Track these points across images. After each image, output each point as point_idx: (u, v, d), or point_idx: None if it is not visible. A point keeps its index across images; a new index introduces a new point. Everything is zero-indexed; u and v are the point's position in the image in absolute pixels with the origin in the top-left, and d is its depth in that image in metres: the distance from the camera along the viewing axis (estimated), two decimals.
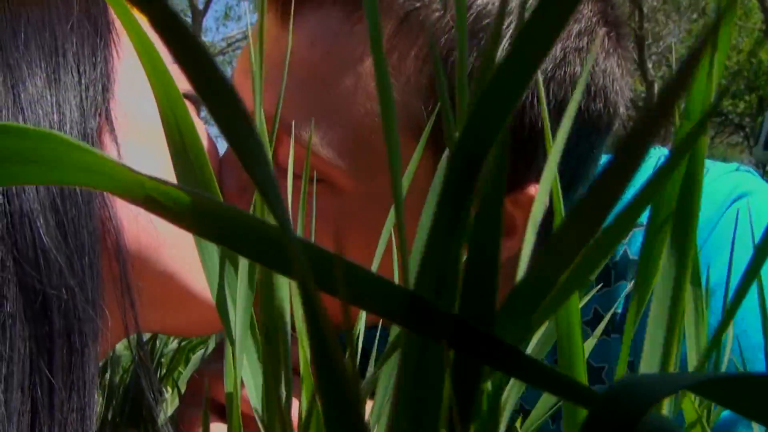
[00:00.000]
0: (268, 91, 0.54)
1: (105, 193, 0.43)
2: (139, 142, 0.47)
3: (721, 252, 0.57)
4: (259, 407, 0.29)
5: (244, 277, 0.27)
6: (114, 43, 0.47)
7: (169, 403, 0.76)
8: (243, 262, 0.27)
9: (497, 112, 0.16)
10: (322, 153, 0.53)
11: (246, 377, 0.28)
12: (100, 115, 0.44)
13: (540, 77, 0.53)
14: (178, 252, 0.47)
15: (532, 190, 0.55)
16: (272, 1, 0.54)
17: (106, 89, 0.45)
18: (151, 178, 0.15)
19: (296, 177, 0.55)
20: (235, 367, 0.26)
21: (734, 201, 0.61)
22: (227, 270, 0.27)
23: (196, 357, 0.79)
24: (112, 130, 0.45)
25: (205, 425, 0.49)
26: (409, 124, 0.53)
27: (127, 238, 0.44)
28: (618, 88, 0.59)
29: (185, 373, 0.77)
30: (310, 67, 0.53)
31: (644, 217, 0.61)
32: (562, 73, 0.54)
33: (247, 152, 0.14)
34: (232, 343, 0.27)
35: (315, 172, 0.54)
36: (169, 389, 0.78)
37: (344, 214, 0.55)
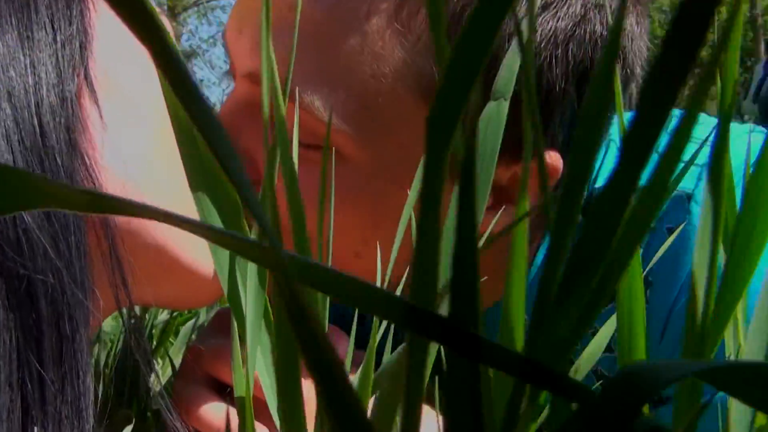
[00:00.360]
0: (277, 51, 0.51)
1: (89, 162, 0.40)
2: (121, 104, 0.44)
3: None
4: (274, 401, 0.26)
5: (254, 267, 0.24)
6: None
7: (161, 375, 0.74)
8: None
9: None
10: (325, 117, 0.50)
11: (260, 370, 0.25)
12: (78, 75, 0.41)
13: (560, 36, 0.50)
14: (166, 225, 0.43)
15: (549, 156, 0.53)
16: None
17: (83, 47, 0.41)
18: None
19: (299, 144, 0.52)
20: (247, 363, 0.24)
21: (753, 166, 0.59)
22: (238, 258, 0.25)
23: (186, 328, 0.77)
24: (93, 92, 0.42)
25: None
26: (418, 85, 0.50)
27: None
28: (636, 48, 0.56)
29: (176, 345, 0.75)
30: (312, 24, 0.50)
31: None
32: (582, 32, 0.51)
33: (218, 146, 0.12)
34: (243, 337, 0.24)
35: (315, 138, 0.51)
36: (160, 361, 0.76)
37: (349, 185, 0.52)
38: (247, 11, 0.53)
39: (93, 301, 0.38)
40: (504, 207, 0.54)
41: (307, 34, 0.50)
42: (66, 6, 0.41)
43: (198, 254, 0.46)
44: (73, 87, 0.40)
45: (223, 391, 0.55)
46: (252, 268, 0.24)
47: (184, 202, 0.44)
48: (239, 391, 0.25)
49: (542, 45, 0.50)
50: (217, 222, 0.25)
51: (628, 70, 0.56)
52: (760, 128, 0.65)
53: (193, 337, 0.76)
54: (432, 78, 0.49)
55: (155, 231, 0.44)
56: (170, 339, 0.78)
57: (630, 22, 0.56)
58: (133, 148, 0.43)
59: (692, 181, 0.59)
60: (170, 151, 0.44)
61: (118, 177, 0.42)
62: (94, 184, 0.40)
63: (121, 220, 0.41)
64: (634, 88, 0.58)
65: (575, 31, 0.51)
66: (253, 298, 0.24)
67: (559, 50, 0.50)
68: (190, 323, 0.78)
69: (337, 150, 0.51)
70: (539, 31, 0.49)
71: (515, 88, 0.49)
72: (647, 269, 0.31)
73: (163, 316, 0.77)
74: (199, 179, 0.23)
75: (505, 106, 0.28)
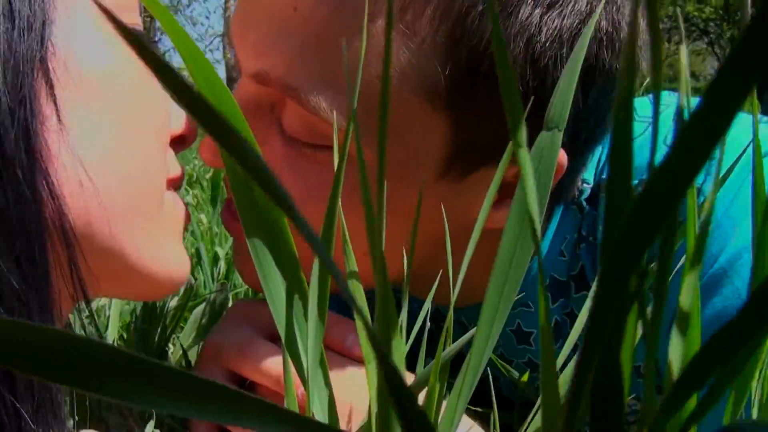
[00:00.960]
0: (272, 51, 0.51)
1: (46, 167, 0.38)
2: (83, 103, 0.40)
3: (746, 216, 0.57)
4: None
5: (314, 313, 0.25)
6: None
7: (173, 360, 0.76)
8: (312, 297, 0.26)
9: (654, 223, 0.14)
10: (332, 118, 0.50)
11: (317, 413, 0.26)
12: (34, 68, 0.38)
13: (565, 35, 0.51)
14: (124, 227, 0.43)
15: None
16: None
17: (42, 35, 0.38)
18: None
19: (305, 145, 0.53)
20: (309, 407, 0.25)
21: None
22: (296, 305, 0.26)
23: (196, 312, 0.78)
24: (51, 87, 0.38)
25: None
26: (423, 86, 0.50)
27: (72, 216, 0.40)
28: (641, 43, 0.57)
29: (186, 329, 0.76)
30: (316, 26, 0.50)
31: None
32: (588, 31, 0.51)
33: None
34: (305, 382, 0.26)
35: (323, 139, 0.52)
36: (172, 346, 0.77)
37: (355, 184, 0.53)
38: (252, 11, 0.53)
39: (59, 321, 0.38)
40: (507, 202, 0.55)
41: (312, 35, 0.50)
42: None
43: (154, 255, 0.45)
44: (29, 80, 0.37)
45: (242, 386, 0.56)
46: (312, 319, 0.25)
47: (143, 197, 0.43)
48: None
49: (547, 44, 0.50)
50: (272, 269, 0.26)
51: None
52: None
53: (203, 321, 0.77)
54: (437, 78, 0.49)
55: (112, 236, 0.42)
56: (181, 324, 0.80)
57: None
58: (92, 147, 0.41)
59: (700, 175, 0.60)
60: (130, 144, 0.42)
61: (75, 177, 0.40)
62: (51, 190, 0.38)
63: (79, 224, 0.40)
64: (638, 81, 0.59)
65: (581, 29, 0.51)
66: (312, 346, 0.25)
67: (565, 49, 0.50)
68: (200, 307, 0.79)
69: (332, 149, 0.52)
70: (544, 30, 0.49)
71: (531, 84, 0.49)
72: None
73: (173, 302, 0.79)
74: (256, 229, 0.24)
75: (559, 136, 0.28)
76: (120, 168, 0.42)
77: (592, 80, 0.53)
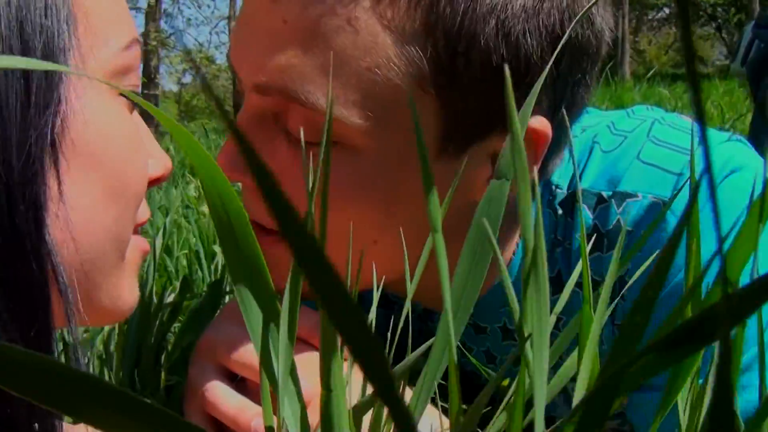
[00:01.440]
0: (269, 63, 0.54)
1: (51, 234, 0.40)
2: (81, 169, 0.42)
3: (708, 231, 0.59)
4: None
5: (285, 332, 0.28)
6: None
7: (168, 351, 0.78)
8: (284, 319, 0.28)
9: None
10: (334, 114, 0.53)
11: (287, 416, 0.29)
12: (45, 147, 0.39)
13: (530, 10, 0.54)
14: (93, 275, 0.45)
15: (535, 122, 0.57)
16: None
17: (55, 115, 0.39)
18: None
19: (310, 144, 0.56)
20: (278, 413, 0.28)
21: (725, 177, 0.62)
22: (271, 327, 0.28)
23: (192, 308, 0.81)
24: (57, 162, 0.40)
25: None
26: (410, 72, 0.53)
27: (64, 269, 0.41)
28: (602, 12, 0.60)
29: (183, 325, 0.79)
30: (305, 31, 0.53)
31: (637, 188, 0.62)
32: (551, 5, 0.55)
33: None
34: (276, 389, 0.28)
35: (327, 136, 0.55)
36: (169, 341, 0.80)
37: (363, 176, 0.56)
38: (247, 31, 0.56)
39: None
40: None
41: (303, 41, 0.53)
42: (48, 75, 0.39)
43: (113, 295, 0.47)
44: (41, 162, 0.39)
45: (235, 379, 0.59)
46: (283, 333, 0.28)
47: (112, 251, 0.45)
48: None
49: (516, 19, 0.53)
50: (254, 306, 0.29)
51: (598, 35, 0.59)
52: (739, 138, 0.68)
53: (199, 318, 0.80)
54: (420, 64, 0.53)
55: (85, 282, 0.44)
56: (180, 317, 0.82)
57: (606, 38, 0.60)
58: (80, 207, 0.42)
59: (668, 190, 0.62)
60: (112, 205, 0.44)
61: (68, 236, 0.41)
62: (51, 254, 0.40)
63: (67, 276, 0.42)
64: (604, 52, 0.62)
65: (543, 3, 0.54)
66: (283, 359, 0.28)
67: (530, 22, 0.54)
68: (195, 301, 0.82)
69: (347, 143, 0.55)
70: (510, 7, 0.53)
71: (506, 59, 0.52)
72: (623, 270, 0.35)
73: (170, 298, 0.81)
74: (239, 273, 0.26)
75: (507, 185, 0.31)
76: (99, 226, 0.44)
77: (561, 50, 0.56)
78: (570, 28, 0.55)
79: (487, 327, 0.74)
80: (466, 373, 0.77)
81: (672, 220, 0.61)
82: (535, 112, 0.57)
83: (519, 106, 0.55)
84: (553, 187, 0.67)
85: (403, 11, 0.53)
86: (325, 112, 0.53)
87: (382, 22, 0.53)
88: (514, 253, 0.69)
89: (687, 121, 0.70)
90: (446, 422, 0.52)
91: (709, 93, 5.43)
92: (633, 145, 0.66)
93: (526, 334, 0.21)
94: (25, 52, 0.38)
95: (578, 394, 0.24)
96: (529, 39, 0.54)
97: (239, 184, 0.64)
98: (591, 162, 0.67)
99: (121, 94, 0.44)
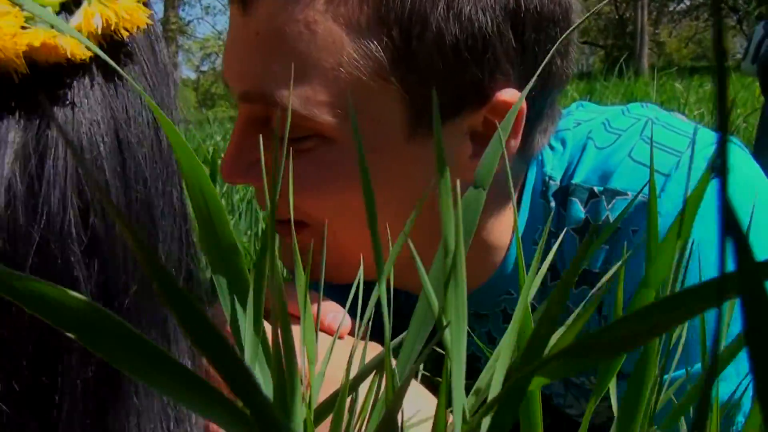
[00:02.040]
0: (249, 72, 0.60)
1: None
2: None
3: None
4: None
5: (251, 301, 0.32)
6: None
7: None
8: (250, 292, 0.33)
9: None
10: (305, 112, 0.58)
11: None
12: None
13: None
14: None
15: (505, 94, 0.59)
16: None
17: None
18: None
19: (292, 141, 0.60)
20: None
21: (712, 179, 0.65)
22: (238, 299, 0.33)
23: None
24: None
25: None
26: (370, 64, 0.57)
27: None
28: (576, 17, 0.62)
29: None
30: (274, 40, 0.58)
31: (627, 186, 0.65)
32: None
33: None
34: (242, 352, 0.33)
35: (303, 131, 0.59)
36: None
37: (340, 162, 0.60)
38: (232, 49, 0.61)
39: None
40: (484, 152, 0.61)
41: (272, 45, 0.58)
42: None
43: None
44: None
45: None
46: (250, 308, 0.32)
47: None
48: None
49: (472, 8, 0.56)
50: (228, 286, 0.33)
51: (563, 2, 0.62)
52: (732, 139, 0.71)
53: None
54: (379, 55, 0.56)
55: None
56: None
57: (577, 8, 0.63)
58: None
59: (657, 188, 0.64)
60: None
61: None
62: None
63: None
64: (572, 52, 0.65)
65: None
66: (250, 331, 0.32)
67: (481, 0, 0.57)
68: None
69: (323, 136, 0.60)
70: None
71: (460, 37, 0.55)
72: (614, 269, 0.37)
73: None
74: (216, 257, 0.30)
75: (483, 195, 0.33)
76: None
77: (521, 21, 0.59)
78: None
79: (488, 313, 0.77)
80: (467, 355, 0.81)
81: (659, 220, 0.64)
82: (503, 85, 0.60)
83: (484, 85, 0.58)
84: (547, 179, 0.70)
85: (356, 7, 0.56)
86: (300, 113, 0.58)
87: (338, 20, 0.56)
88: (513, 233, 0.71)
89: (682, 120, 0.72)
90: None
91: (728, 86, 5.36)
92: (626, 143, 0.68)
93: (444, 323, 0.25)
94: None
95: (495, 383, 0.27)
96: (481, 15, 0.56)
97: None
98: (584, 157, 0.69)
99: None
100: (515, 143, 0.62)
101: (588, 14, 0.58)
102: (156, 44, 0.43)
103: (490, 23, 0.56)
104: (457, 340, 0.26)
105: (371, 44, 0.56)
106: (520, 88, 0.61)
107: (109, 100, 0.38)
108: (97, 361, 0.37)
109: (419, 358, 0.31)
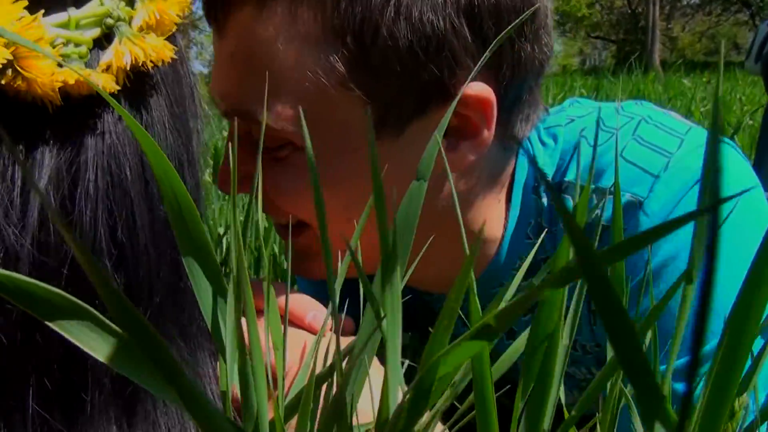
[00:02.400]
0: (230, 91, 0.63)
1: None
2: None
3: (674, 233, 0.63)
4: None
5: (231, 303, 0.35)
6: None
7: None
8: (230, 295, 0.35)
9: None
10: (277, 126, 0.61)
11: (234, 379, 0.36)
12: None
13: None
14: None
15: (472, 87, 0.61)
16: (211, 20, 0.64)
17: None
18: None
19: (270, 150, 0.64)
20: (226, 373, 0.35)
21: (698, 181, 0.65)
22: (219, 300, 0.35)
23: None
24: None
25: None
26: (331, 74, 0.60)
27: None
28: (551, 21, 0.64)
29: None
30: (245, 61, 0.62)
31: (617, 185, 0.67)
32: None
33: None
34: (223, 355, 0.35)
35: (278, 141, 0.63)
36: None
37: (305, 167, 0.63)
38: (217, 70, 0.65)
39: None
40: (461, 143, 0.63)
41: (244, 66, 0.62)
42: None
43: None
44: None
45: None
46: (230, 310, 0.35)
47: None
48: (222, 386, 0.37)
49: (411, 2, 0.58)
50: (204, 282, 0.36)
51: (546, 37, 0.64)
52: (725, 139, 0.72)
53: None
54: (337, 66, 0.59)
55: None
56: None
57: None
58: None
59: (645, 189, 0.65)
60: None
61: None
62: None
63: None
64: (544, 37, 0.65)
65: None
66: (231, 332, 0.35)
67: (429, 0, 0.58)
68: None
69: (291, 146, 0.63)
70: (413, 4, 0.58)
71: (413, 39, 0.57)
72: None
73: None
74: (191, 254, 0.33)
75: (425, 186, 0.35)
76: None
77: (479, 18, 0.60)
78: None
79: (485, 305, 0.79)
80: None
81: (644, 220, 0.65)
82: (465, 80, 0.60)
83: (448, 83, 0.60)
84: (538, 175, 0.71)
85: (310, 21, 0.59)
86: (273, 126, 0.61)
87: (296, 37, 0.59)
88: (505, 228, 0.73)
89: (676, 119, 0.73)
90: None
91: (735, 83, 5.39)
92: (619, 142, 0.69)
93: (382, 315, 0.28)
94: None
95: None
96: (432, 15, 0.58)
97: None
98: (577, 155, 0.70)
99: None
100: (488, 134, 0.63)
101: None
102: (180, 67, 0.46)
103: (442, 22, 0.58)
104: (392, 332, 0.29)
105: (329, 56, 0.59)
106: (489, 80, 0.62)
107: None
108: None
109: (366, 347, 0.33)
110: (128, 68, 0.41)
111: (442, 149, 0.62)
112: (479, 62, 0.59)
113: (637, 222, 0.65)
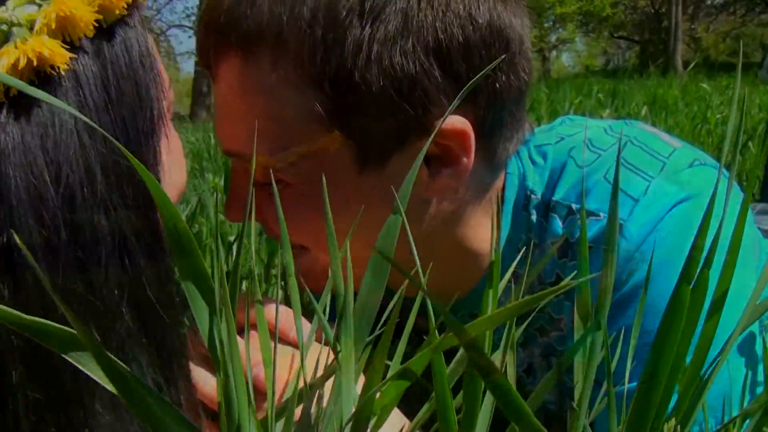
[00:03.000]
0: (228, 134, 0.68)
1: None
2: (172, 160, 0.57)
3: (648, 257, 0.65)
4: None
5: (225, 323, 0.40)
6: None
7: None
8: (226, 311, 0.40)
9: None
10: (269, 165, 0.66)
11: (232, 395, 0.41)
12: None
13: (396, 36, 0.61)
14: None
15: (450, 121, 0.63)
16: (204, 68, 0.69)
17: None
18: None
19: (264, 186, 0.70)
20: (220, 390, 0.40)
21: (676, 204, 0.67)
22: (215, 319, 0.40)
23: None
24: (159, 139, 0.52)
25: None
26: (312, 118, 0.64)
27: None
28: (490, 6, 0.65)
29: None
30: (237, 106, 0.66)
31: (600, 207, 0.70)
32: (412, 23, 0.61)
33: None
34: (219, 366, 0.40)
35: (269, 177, 0.67)
36: None
37: (301, 200, 0.68)
38: (218, 112, 0.70)
39: None
40: (443, 170, 0.66)
41: (236, 111, 0.66)
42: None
43: None
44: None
45: None
46: (224, 324, 0.39)
47: None
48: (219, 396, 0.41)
49: (381, 48, 0.60)
50: (201, 301, 0.40)
51: (490, 27, 0.64)
52: (707, 162, 0.72)
53: None
54: (317, 109, 0.63)
55: None
56: None
57: (517, 23, 0.66)
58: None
59: (626, 212, 0.67)
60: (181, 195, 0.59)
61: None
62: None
63: None
64: (519, 64, 0.67)
65: (409, 23, 0.61)
66: (227, 346, 0.40)
67: (398, 46, 0.61)
68: None
69: (283, 182, 0.67)
70: (374, 38, 0.60)
71: (386, 83, 0.62)
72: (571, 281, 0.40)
73: None
74: (188, 275, 0.37)
75: (400, 220, 0.40)
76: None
77: (448, 58, 0.62)
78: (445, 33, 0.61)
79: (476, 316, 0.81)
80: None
81: (623, 243, 0.67)
82: (442, 114, 0.63)
83: (415, 117, 0.65)
84: (528, 193, 0.74)
85: (291, 71, 0.63)
86: (264, 165, 0.66)
87: (280, 84, 0.64)
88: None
89: (664, 141, 0.75)
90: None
91: (756, 87, 5.33)
92: (604, 164, 0.71)
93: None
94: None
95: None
96: (402, 60, 0.61)
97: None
98: (565, 175, 0.72)
99: None
100: (468, 161, 0.66)
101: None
102: (121, 46, 0.49)
103: (412, 65, 0.61)
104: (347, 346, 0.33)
105: (310, 102, 0.63)
106: (466, 113, 0.65)
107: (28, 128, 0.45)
108: None
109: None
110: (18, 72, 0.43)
111: (425, 176, 0.67)
112: (453, 100, 0.63)
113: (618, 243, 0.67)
